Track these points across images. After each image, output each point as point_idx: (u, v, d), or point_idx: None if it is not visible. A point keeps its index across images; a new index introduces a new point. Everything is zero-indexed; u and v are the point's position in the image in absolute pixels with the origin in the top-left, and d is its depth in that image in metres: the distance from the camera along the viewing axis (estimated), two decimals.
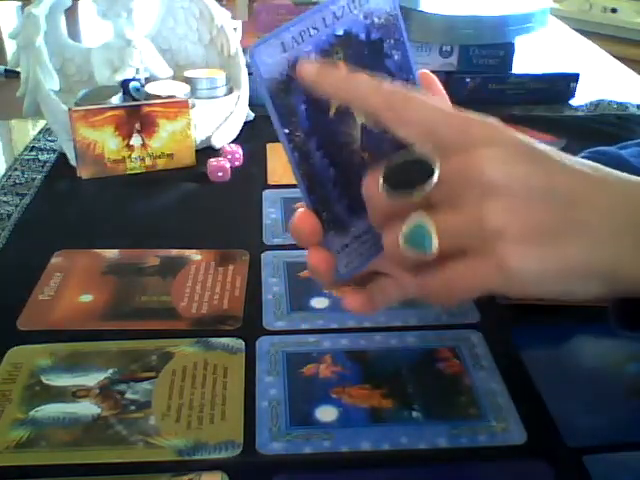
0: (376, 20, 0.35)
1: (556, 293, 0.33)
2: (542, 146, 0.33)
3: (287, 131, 0.34)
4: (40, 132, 0.85)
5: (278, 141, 0.35)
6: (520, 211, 0.30)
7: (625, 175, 0.34)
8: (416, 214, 0.31)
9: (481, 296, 0.32)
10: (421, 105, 0.33)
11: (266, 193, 0.69)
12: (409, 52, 0.37)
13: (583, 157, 0.53)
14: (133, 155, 0.73)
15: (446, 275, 0.32)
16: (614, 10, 3.11)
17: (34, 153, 0.79)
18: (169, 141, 0.74)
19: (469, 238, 0.31)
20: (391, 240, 0.32)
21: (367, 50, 0.35)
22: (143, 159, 0.74)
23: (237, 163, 0.76)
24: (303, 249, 0.38)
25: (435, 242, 0.31)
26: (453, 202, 0.31)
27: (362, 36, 0.35)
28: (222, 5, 0.86)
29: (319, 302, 0.53)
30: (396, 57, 0.36)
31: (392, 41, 0.36)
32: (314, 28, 0.33)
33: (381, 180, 0.32)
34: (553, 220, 0.31)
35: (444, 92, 0.39)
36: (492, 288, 0.32)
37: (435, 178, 0.31)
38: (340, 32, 0.34)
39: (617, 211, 0.32)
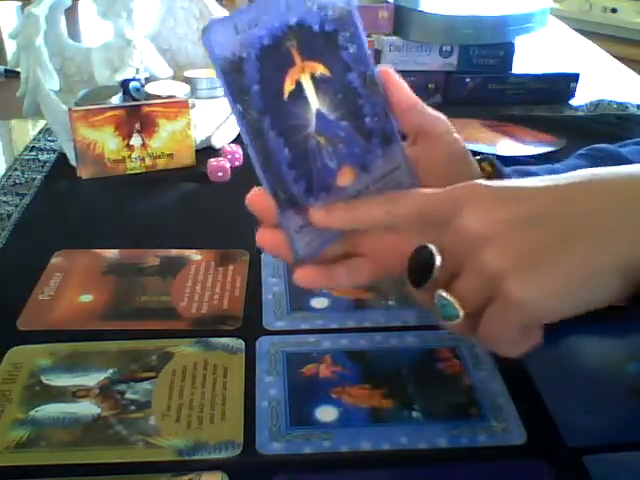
0: (330, 13, 0.36)
1: (585, 303, 0.34)
2: (519, 183, 0.36)
3: (240, 108, 0.34)
4: (40, 132, 0.85)
5: None
6: (509, 247, 0.33)
7: (615, 171, 0.36)
8: (437, 292, 0.36)
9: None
10: (408, 199, 0.38)
11: None
12: (365, 45, 0.38)
13: (582, 154, 0.53)
14: (133, 155, 0.73)
15: (483, 326, 0.35)
16: (614, 10, 3.11)
17: (34, 153, 0.79)
18: (169, 141, 0.74)
19: (483, 290, 0.34)
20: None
21: (321, 41, 0.36)
22: (143, 159, 0.74)
23: (237, 163, 0.76)
24: None
25: (458, 308, 0.35)
26: (460, 267, 0.35)
27: (316, 27, 0.36)
28: (222, 5, 0.86)
29: (319, 302, 0.53)
30: (351, 50, 0.38)
31: (347, 34, 0.37)
32: (268, 14, 0.34)
33: (408, 281, 0.37)
34: (541, 241, 0.33)
35: (404, 85, 0.41)
36: (524, 323, 0.35)
37: (437, 262, 0.35)
38: (293, 21, 0.35)
39: (611, 207, 0.34)
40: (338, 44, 0.37)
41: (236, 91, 0.34)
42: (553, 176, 0.36)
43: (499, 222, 0.34)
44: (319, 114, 0.37)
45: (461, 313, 0.35)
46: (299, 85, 0.36)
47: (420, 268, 0.36)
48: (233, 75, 0.34)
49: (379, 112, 0.40)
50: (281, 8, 0.35)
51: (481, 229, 0.34)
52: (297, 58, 0.36)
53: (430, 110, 0.43)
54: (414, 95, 0.42)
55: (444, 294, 0.35)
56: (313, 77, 0.36)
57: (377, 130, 0.40)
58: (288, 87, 0.36)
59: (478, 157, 0.49)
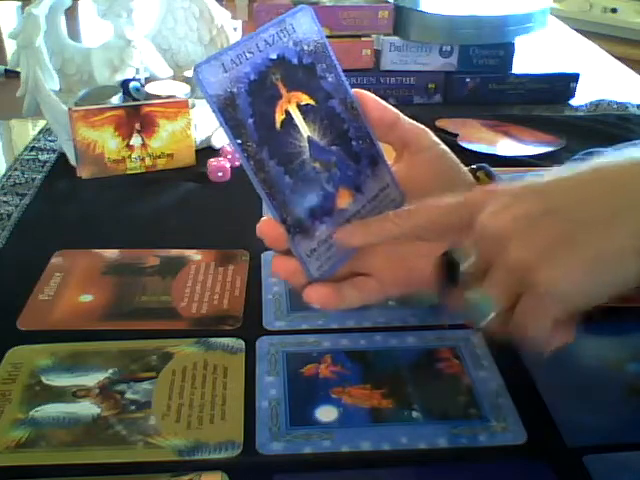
0: (305, 47, 0.39)
1: (610, 286, 0.35)
2: (531, 180, 0.38)
3: (239, 142, 0.36)
4: (40, 132, 0.85)
5: None
6: (531, 241, 0.35)
7: (618, 157, 0.37)
8: (469, 291, 0.37)
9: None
10: (421, 211, 0.40)
11: None
12: (342, 74, 0.41)
13: (578, 159, 0.53)
14: (133, 155, 0.73)
15: (516, 321, 0.36)
16: (614, 10, 3.11)
17: (34, 153, 0.79)
18: (169, 141, 0.74)
19: (513, 285, 0.35)
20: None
21: (302, 73, 0.39)
22: (143, 159, 0.74)
23: (237, 163, 0.76)
24: None
25: (492, 304, 0.36)
26: (488, 265, 0.36)
27: (294, 60, 0.38)
28: (222, 5, 0.86)
29: None
30: (330, 79, 0.40)
31: (324, 65, 0.40)
32: (250, 52, 0.36)
33: (438, 287, 0.39)
34: (560, 231, 0.34)
35: (381, 102, 0.43)
36: (554, 313, 0.35)
37: (467, 263, 0.36)
38: (274, 56, 0.37)
39: (618, 190, 0.35)
40: (317, 74, 0.39)
41: (233, 126, 0.36)
42: (562, 170, 0.37)
43: (520, 218, 0.35)
44: (311, 141, 0.39)
45: (495, 309, 0.36)
46: (289, 115, 0.38)
47: (449, 270, 0.37)
48: (228, 111, 0.36)
49: (363, 135, 0.42)
50: (260, 45, 0.37)
51: (504, 226, 0.35)
52: (282, 90, 0.38)
53: (412, 122, 0.44)
54: (393, 109, 0.43)
55: (476, 292, 0.36)
56: (299, 107, 0.38)
57: (364, 152, 0.42)
58: (279, 117, 0.38)
59: (473, 166, 0.49)
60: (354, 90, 0.42)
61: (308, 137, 0.39)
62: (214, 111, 0.35)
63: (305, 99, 0.39)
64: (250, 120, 0.36)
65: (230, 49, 0.36)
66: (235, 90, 0.36)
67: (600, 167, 0.36)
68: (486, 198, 0.37)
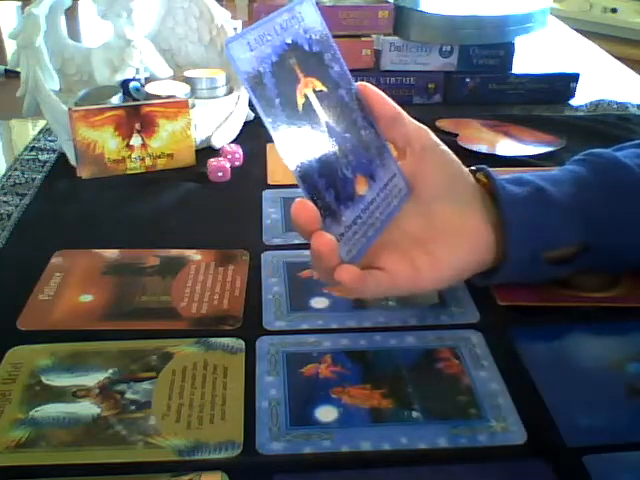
0: (313, 36, 0.40)
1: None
2: None
3: (270, 120, 0.36)
4: (40, 132, 0.85)
5: None
6: None
7: None
8: None
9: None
10: None
11: (266, 193, 0.69)
12: (345, 65, 0.41)
13: (579, 159, 0.53)
14: (133, 155, 0.73)
15: None
16: (614, 10, 3.10)
17: (34, 153, 0.80)
18: (169, 141, 0.74)
19: None
20: None
21: (313, 59, 0.40)
22: (143, 159, 0.74)
23: (237, 163, 0.76)
24: (306, 245, 0.40)
25: None
26: None
27: (306, 47, 0.39)
28: (222, 5, 0.86)
29: (319, 302, 0.53)
30: (336, 69, 0.41)
31: (330, 55, 0.41)
32: (269, 34, 0.37)
33: None
34: None
35: (384, 97, 0.43)
36: None
37: None
38: (289, 41, 0.38)
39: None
40: (325, 63, 0.40)
41: (264, 104, 0.36)
42: None
43: None
44: (328, 126, 0.39)
45: None
46: (307, 99, 0.38)
47: None
48: (259, 88, 0.36)
49: (368, 125, 0.42)
50: (277, 29, 0.37)
51: None
52: (300, 74, 0.38)
53: (412, 120, 0.45)
54: (396, 105, 0.44)
55: None
56: (315, 92, 0.39)
57: (371, 142, 0.42)
58: (300, 100, 0.38)
59: (473, 168, 0.49)
60: (358, 83, 0.42)
61: (326, 122, 0.39)
62: (246, 88, 0.36)
63: (319, 85, 0.39)
64: (277, 100, 0.37)
65: (252, 29, 0.36)
66: (261, 69, 0.36)
67: None
68: None
